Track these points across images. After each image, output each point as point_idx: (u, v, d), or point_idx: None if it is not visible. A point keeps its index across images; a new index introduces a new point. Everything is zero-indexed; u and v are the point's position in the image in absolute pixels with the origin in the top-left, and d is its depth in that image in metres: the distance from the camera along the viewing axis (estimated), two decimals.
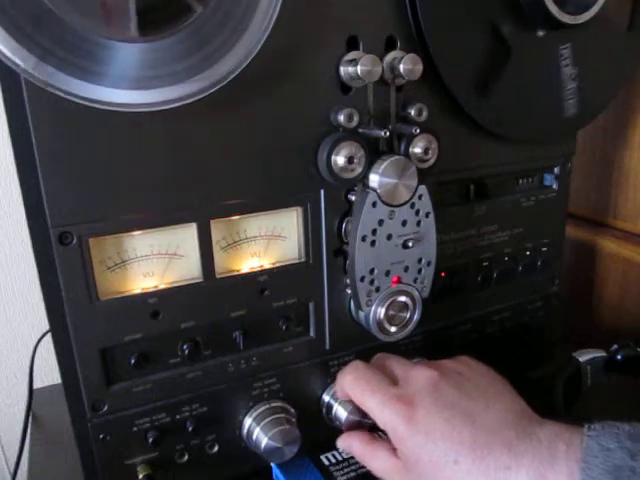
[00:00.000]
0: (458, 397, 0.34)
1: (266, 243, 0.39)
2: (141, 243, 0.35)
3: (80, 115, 0.30)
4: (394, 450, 0.35)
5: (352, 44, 0.37)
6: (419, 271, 0.41)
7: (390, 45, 0.38)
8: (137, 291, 0.35)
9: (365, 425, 0.40)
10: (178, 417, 0.38)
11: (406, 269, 0.40)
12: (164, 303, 0.36)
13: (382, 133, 0.37)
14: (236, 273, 0.38)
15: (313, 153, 0.37)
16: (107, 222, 0.33)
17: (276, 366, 0.41)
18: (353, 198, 0.39)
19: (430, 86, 0.40)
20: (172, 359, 0.38)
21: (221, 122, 0.34)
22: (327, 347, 0.42)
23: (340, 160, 0.36)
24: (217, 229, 0.37)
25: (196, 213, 0.35)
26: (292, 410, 0.41)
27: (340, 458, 0.43)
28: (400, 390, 0.35)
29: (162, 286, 0.36)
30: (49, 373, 0.71)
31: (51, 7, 0.27)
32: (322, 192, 0.39)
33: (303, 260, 0.40)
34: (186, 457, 0.39)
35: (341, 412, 0.41)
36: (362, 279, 0.39)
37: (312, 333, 0.42)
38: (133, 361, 0.36)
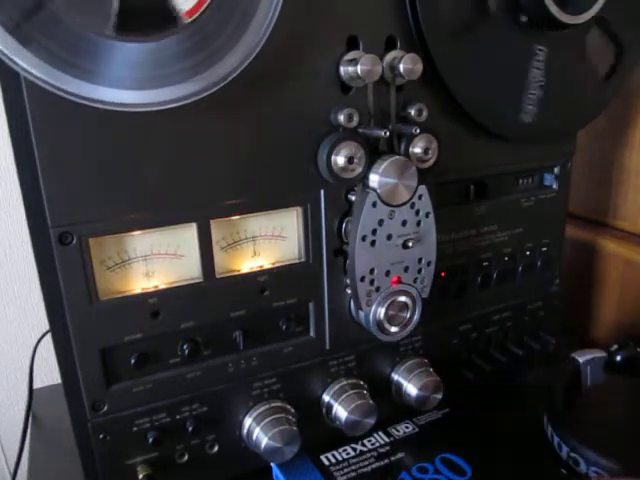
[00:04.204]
0: None
1: (266, 243, 0.39)
2: (141, 243, 0.35)
3: (80, 115, 0.30)
4: None
5: (352, 44, 0.37)
6: (419, 271, 0.41)
7: (390, 45, 0.38)
8: (137, 291, 0.35)
9: None
10: (178, 417, 0.38)
11: (406, 269, 0.40)
12: (164, 303, 0.36)
13: (382, 133, 0.37)
14: (236, 273, 0.38)
15: (313, 153, 0.37)
16: (107, 222, 0.33)
17: (276, 366, 0.41)
18: (353, 198, 0.39)
19: (430, 86, 0.40)
20: (172, 359, 0.37)
21: (221, 122, 0.34)
22: (327, 347, 0.42)
23: (340, 160, 0.36)
24: (217, 229, 0.37)
25: (196, 213, 0.35)
26: (292, 410, 0.41)
27: (340, 458, 0.42)
28: None
29: (162, 286, 0.36)
30: (49, 373, 0.71)
31: (51, 7, 0.27)
32: (322, 192, 0.39)
33: (303, 260, 0.40)
34: (186, 457, 0.39)
35: (341, 412, 0.41)
36: (362, 279, 0.39)
37: (312, 333, 0.42)
38: (133, 361, 0.36)
